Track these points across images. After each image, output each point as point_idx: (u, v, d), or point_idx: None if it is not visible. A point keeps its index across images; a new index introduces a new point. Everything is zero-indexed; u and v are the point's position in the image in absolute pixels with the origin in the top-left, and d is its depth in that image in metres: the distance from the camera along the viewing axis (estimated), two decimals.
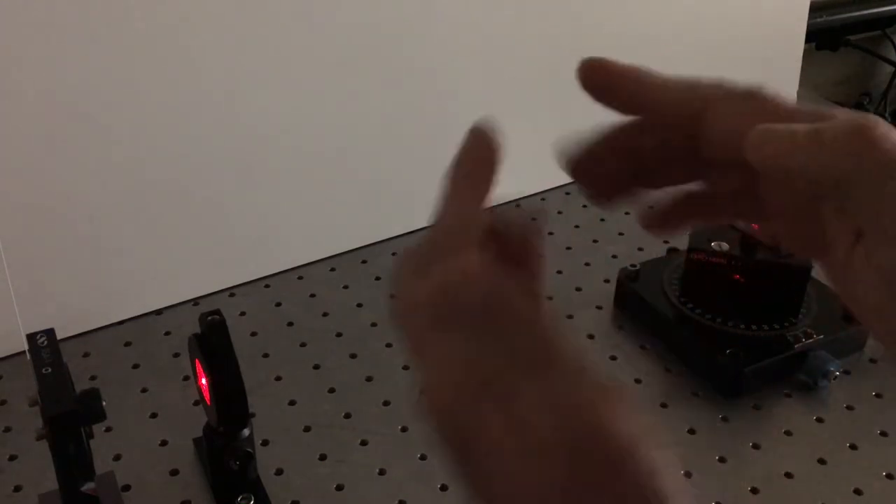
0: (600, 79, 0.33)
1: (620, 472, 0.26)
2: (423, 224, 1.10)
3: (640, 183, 0.35)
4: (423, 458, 0.71)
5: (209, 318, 0.61)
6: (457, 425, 0.28)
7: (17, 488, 0.68)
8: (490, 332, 0.27)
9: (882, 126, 0.28)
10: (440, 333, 0.29)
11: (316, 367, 0.81)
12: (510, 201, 1.02)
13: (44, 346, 0.58)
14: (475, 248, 0.30)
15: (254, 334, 0.84)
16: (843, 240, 0.29)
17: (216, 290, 0.89)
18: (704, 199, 0.36)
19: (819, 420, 0.75)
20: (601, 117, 0.36)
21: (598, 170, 0.35)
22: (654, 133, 0.33)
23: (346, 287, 0.91)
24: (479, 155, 0.33)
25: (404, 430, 0.74)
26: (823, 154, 0.28)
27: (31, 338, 0.58)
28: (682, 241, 0.86)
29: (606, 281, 0.91)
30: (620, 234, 0.99)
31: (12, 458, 0.70)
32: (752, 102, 0.30)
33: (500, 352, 0.27)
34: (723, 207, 0.36)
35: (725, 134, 0.30)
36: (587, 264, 0.94)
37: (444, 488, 0.68)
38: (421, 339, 0.29)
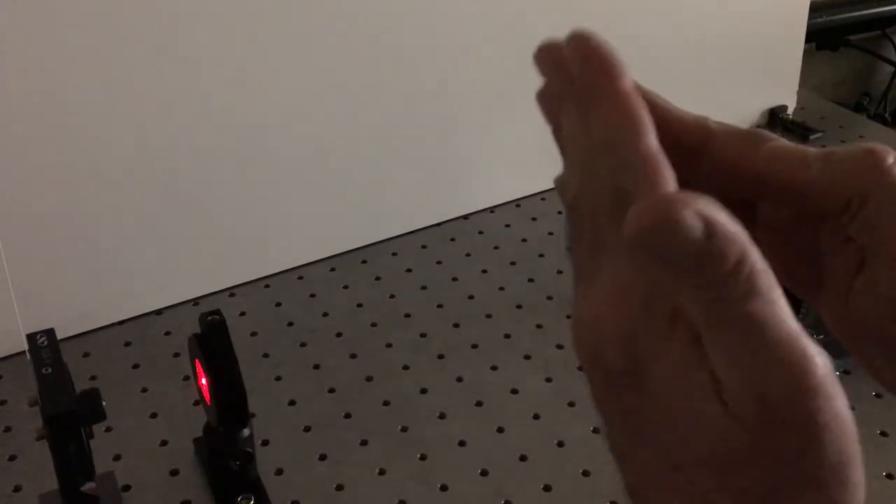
0: None
1: (814, 450, 0.24)
2: (423, 224, 1.10)
3: None
4: (423, 458, 0.71)
5: (209, 318, 0.61)
6: (636, 351, 0.25)
7: (17, 488, 0.68)
8: (694, 274, 0.23)
9: (893, 153, 0.28)
10: (610, 254, 0.26)
11: (316, 367, 0.81)
12: (510, 201, 1.02)
13: (44, 346, 0.58)
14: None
15: (254, 334, 0.84)
16: (845, 271, 0.28)
17: (216, 290, 0.89)
18: None
19: None
20: None
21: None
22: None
23: (346, 287, 0.91)
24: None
25: (404, 430, 0.74)
26: (834, 172, 0.28)
27: (31, 338, 0.58)
28: None
29: None
30: None
31: (12, 458, 0.70)
32: (757, 137, 0.30)
33: (700, 297, 0.24)
34: None
35: (725, 160, 0.30)
36: None
37: (444, 488, 0.69)
38: (588, 255, 0.27)
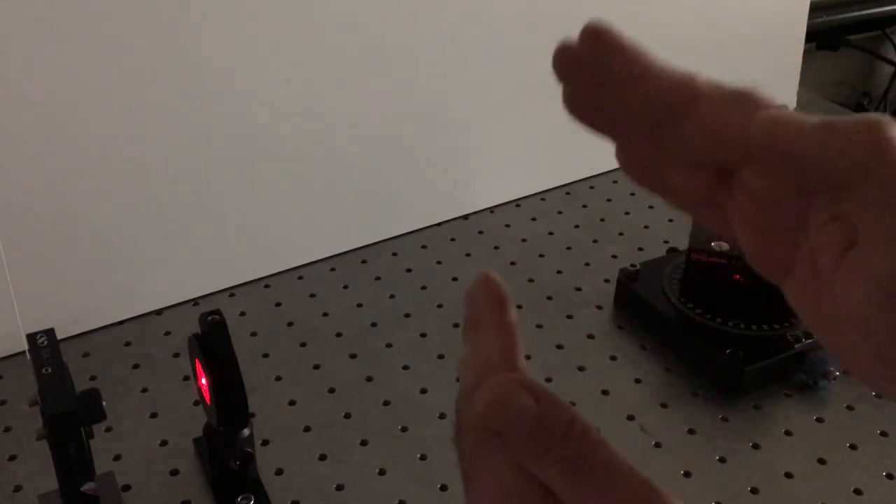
0: (601, 47, 0.29)
1: None
2: (423, 224, 1.10)
3: (612, 126, 0.32)
4: (423, 458, 0.71)
5: (209, 318, 0.61)
6: None
7: (17, 488, 0.68)
8: (535, 449, 0.27)
9: (895, 125, 0.26)
10: (488, 458, 0.29)
11: (316, 367, 0.81)
12: (510, 201, 1.02)
13: (44, 346, 0.58)
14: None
15: (254, 334, 0.84)
16: (833, 249, 0.27)
17: (216, 290, 0.89)
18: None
19: (819, 420, 0.75)
20: None
21: (580, 74, 0.30)
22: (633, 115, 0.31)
23: (346, 287, 0.91)
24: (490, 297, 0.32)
25: (404, 430, 0.74)
26: (835, 143, 0.26)
27: (31, 338, 0.58)
28: (682, 241, 0.86)
29: (606, 281, 0.91)
30: (620, 234, 0.99)
31: (12, 458, 0.70)
32: (749, 101, 0.28)
33: (547, 467, 0.27)
34: (686, 204, 0.33)
35: (713, 124, 0.28)
36: (587, 264, 0.94)
37: (444, 488, 0.69)
38: (471, 462, 0.30)
